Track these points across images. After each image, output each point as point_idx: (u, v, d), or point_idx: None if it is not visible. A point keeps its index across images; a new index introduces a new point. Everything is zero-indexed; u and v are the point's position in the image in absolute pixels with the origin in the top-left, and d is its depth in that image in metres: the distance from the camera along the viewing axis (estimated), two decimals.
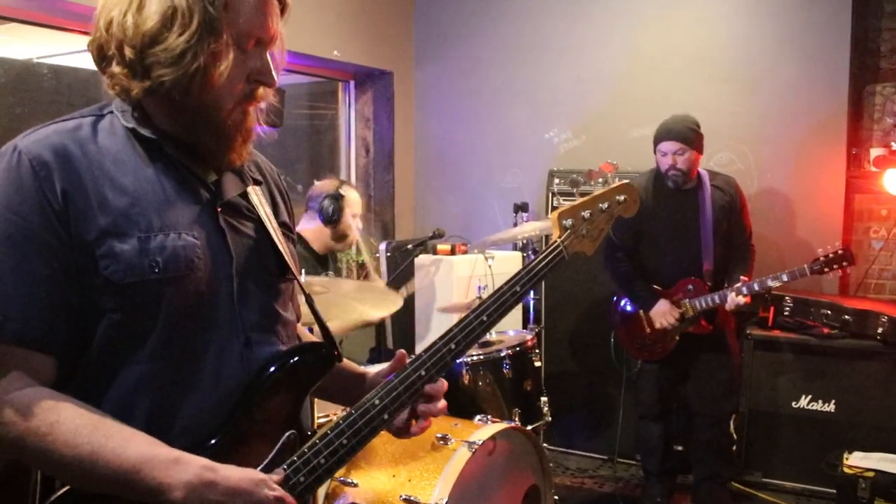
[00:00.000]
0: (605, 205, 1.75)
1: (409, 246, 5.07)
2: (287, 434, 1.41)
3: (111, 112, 1.38)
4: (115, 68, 1.31)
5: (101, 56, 1.34)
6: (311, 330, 2.46)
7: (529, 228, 4.39)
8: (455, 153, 5.94)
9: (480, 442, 2.70)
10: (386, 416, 1.46)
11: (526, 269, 1.62)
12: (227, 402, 1.36)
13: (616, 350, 4.59)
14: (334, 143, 6.01)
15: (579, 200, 1.74)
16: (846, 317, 4.17)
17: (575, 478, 4.72)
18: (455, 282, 4.79)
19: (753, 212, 4.17)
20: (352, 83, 5.95)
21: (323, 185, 3.91)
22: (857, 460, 3.74)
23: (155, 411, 1.30)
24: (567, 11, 5.41)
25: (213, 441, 1.32)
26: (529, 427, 3.49)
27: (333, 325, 3.61)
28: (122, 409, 1.28)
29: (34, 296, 1.24)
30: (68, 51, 4.25)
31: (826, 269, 3.77)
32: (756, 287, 3.79)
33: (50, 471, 1.27)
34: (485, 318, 1.56)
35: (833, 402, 4.19)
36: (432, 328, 4.81)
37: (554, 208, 4.70)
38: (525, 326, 4.88)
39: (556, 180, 5.06)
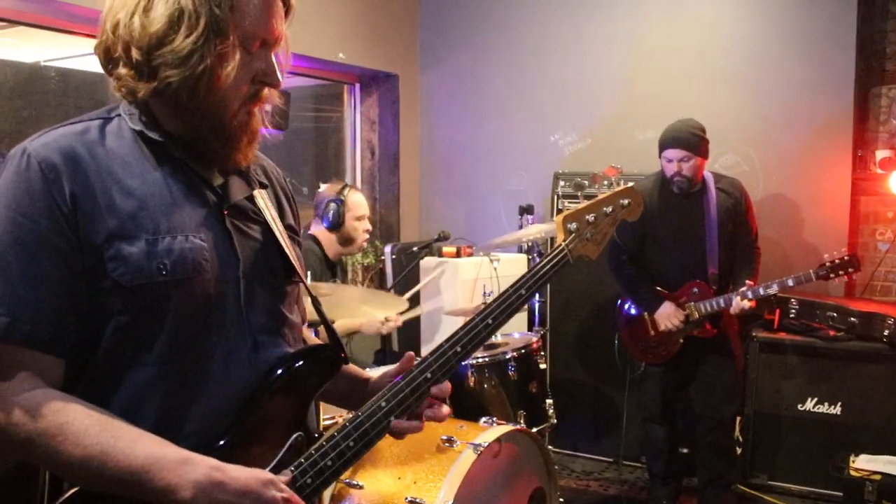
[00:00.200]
0: (610, 208, 1.75)
1: (415, 248, 5.08)
2: (294, 436, 1.41)
3: (119, 115, 1.39)
4: (122, 70, 1.32)
5: (108, 58, 1.35)
6: (315, 332, 2.47)
7: (535, 231, 4.39)
8: (460, 156, 5.95)
9: (486, 444, 2.70)
10: (392, 419, 1.46)
11: (531, 273, 1.63)
12: (234, 404, 1.36)
13: (620, 352, 4.59)
14: (339, 145, 6.02)
15: (584, 204, 1.74)
16: (852, 319, 4.16)
17: (580, 480, 4.71)
18: (460, 284, 4.80)
19: (759, 214, 4.17)
20: (357, 86, 5.96)
21: (327, 190, 3.92)
22: (864, 463, 3.73)
23: (163, 413, 1.31)
24: (572, 14, 5.42)
25: (221, 443, 1.33)
26: (535, 429, 3.49)
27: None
28: (130, 411, 1.28)
29: (43, 298, 1.24)
30: (75, 54, 4.27)
31: (832, 276, 3.77)
32: (761, 291, 3.79)
33: (59, 472, 1.27)
34: (490, 321, 1.56)
35: (839, 404, 4.18)
36: (437, 331, 4.82)
37: (559, 211, 4.72)
38: (530, 329, 4.88)
39: (562, 183, 5.06)
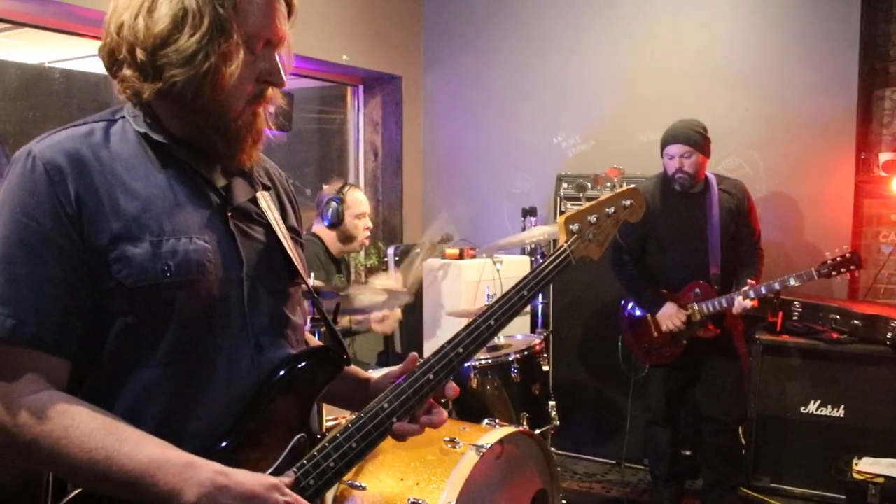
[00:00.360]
0: (612, 209, 1.75)
1: (418, 250, 5.08)
2: (297, 437, 1.41)
3: (123, 117, 1.39)
4: (126, 72, 1.33)
5: (112, 60, 1.35)
6: (319, 335, 2.48)
7: (538, 233, 4.39)
8: (463, 157, 5.95)
9: (488, 446, 2.70)
10: (395, 420, 1.46)
11: (533, 274, 1.63)
12: (237, 405, 1.37)
13: (624, 354, 4.59)
14: (343, 147, 6.03)
15: (586, 205, 1.75)
16: (855, 322, 4.16)
17: (583, 482, 4.71)
18: (463, 286, 4.80)
19: (762, 216, 4.17)
20: (361, 87, 5.97)
21: (327, 189, 3.95)
22: (867, 466, 3.73)
23: (166, 414, 1.31)
24: (575, 16, 5.42)
25: (223, 444, 1.33)
26: (537, 431, 3.49)
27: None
28: (133, 412, 1.29)
29: (48, 299, 1.24)
30: (80, 55, 4.28)
31: (834, 273, 3.77)
32: (763, 291, 3.78)
33: (63, 474, 1.28)
34: (492, 322, 1.57)
35: (842, 407, 4.17)
36: (440, 332, 4.82)
37: (562, 213, 4.71)
38: (533, 330, 4.88)
39: (565, 185, 5.06)
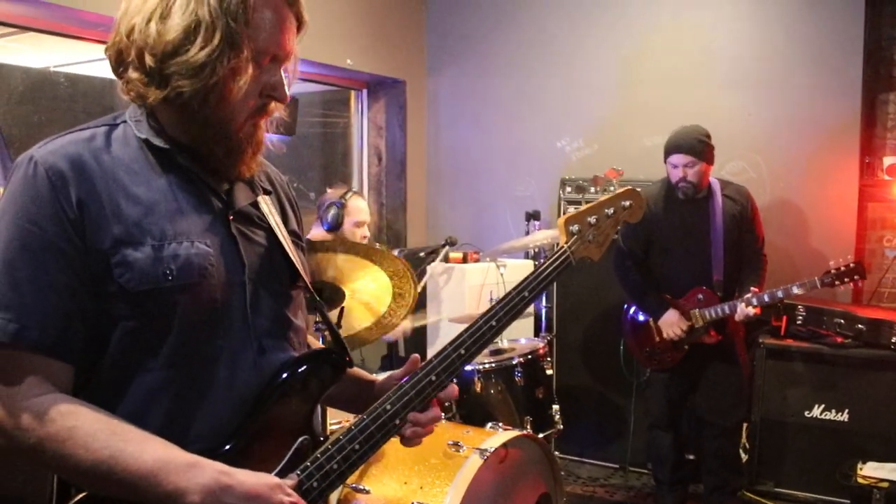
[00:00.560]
0: (611, 210, 1.76)
1: (422, 254, 5.08)
2: (300, 439, 1.42)
3: (124, 121, 1.40)
4: (133, 74, 1.33)
5: (119, 61, 1.35)
6: (322, 338, 2.47)
7: (541, 237, 4.39)
8: (467, 161, 5.96)
9: (492, 449, 2.70)
10: (397, 422, 1.47)
11: (534, 275, 1.64)
12: (240, 408, 1.37)
13: (626, 358, 4.59)
14: (347, 151, 6.04)
15: (585, 206, 1.76)
16: (859, 326, 4.15)
17: (586, 486, 4.70)
18: (467, 290, 4.81)
19: (765, 221, 4.16)
20: (364, 91, 5.98)
21: (330, 194, 3.96)
22: (871, 470, 3.72)
23: (169, 418, 1.32)
24: (578, 20, 5.42)
25: (227, 447, 1.34)
26: (541, 435, 3.49)
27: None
28: (137, 415, 1.29)
29: (51, 304, 1.25)
30: (84, 59, 4.29)
31: (837, 283, 3.77)
32: (766, 298, 3.78)
33: (68, 476, 1.28)
34: (494, 324, 1.57)
35: (846, 411, 4.16)
36: (444, 336, 4.82)
37: None
38: (537, 335, 4.89)
39: (568, 189, 5.06)
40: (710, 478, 4.10)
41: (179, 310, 1.31)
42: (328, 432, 2.77)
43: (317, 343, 1.74)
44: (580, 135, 5.47)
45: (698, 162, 3.85)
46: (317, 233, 3.90)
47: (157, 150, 1.37)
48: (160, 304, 1.30)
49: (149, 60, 1.30)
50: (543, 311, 4.98)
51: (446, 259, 4.94)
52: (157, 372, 1.31)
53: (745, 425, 4.34)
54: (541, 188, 5.59)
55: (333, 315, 2.83)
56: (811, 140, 4.75)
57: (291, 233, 1.57)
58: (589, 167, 5.27)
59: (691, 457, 4.46)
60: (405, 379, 1.51)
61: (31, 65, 4.18)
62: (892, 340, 4.05)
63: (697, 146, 3.84)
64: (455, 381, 1.56)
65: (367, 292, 2.99)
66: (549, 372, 3.88)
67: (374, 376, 1.69)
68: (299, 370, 1.43)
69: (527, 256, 5.22)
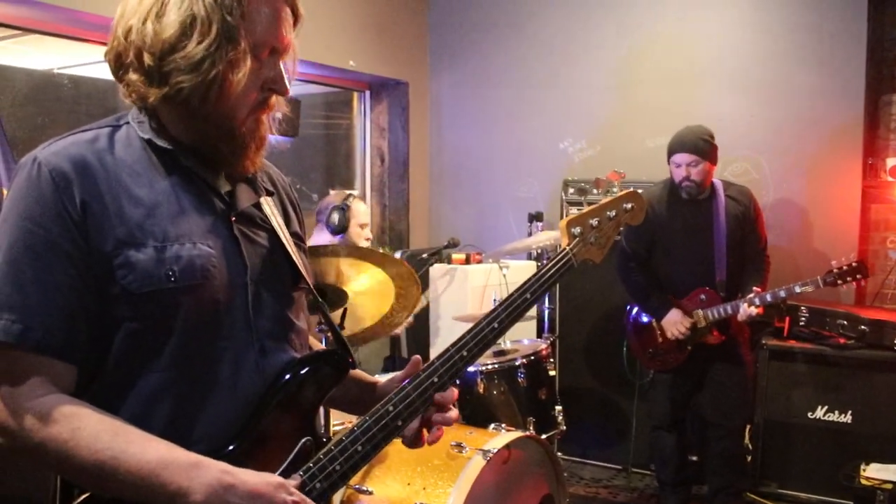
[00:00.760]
0: (613, 213, 1.77)
1: (424, 255, 5.09)
2: (303, 440, 1.42)
3: (127, 123, 1.40)
4: (133, 76, 1.33)
5: (119, 64, 1.36)
6: (325, 339, 2.48)
7: (544, 238, 4.39)
8: (470, 163, 5.96)
9: (495, 450, 2.70)
10: (400, 423, 1.47)
11: (536, 277, 1.64)
12: (243, 409, 1.37)
13: (629, 360, 4.59)
14: (350, 152, 6.05)
15: (587, 209, 1.76)
16: (863, 327, 4.15)
17: (589, 487, 4.70)
18: (470, 291, 4.81)
19: (768, 222, 4.16)
20: (367, 93, 5.99)
21: (331, 198, 3.97)
22: (875, 472, 3.71)
23: (172, 419, 1.32)
24: (581, 21, 5.43)
25: (230, 448, 1.34)
26: (544, 436, 3.49)
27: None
28: (139, 417, 1.29)
29: (55, 305, 1.25)
30: (87, 61, 4.30)
31: (839, 282, 3.76)
32: (768, 298, 3.78)
33: (71, 477, 1.28)
34: (496, 325, 1.58)
35: (849, 412, 4.16)
36: (447, 337, 4.82)
37: None
38: (539, 336, 4.89)
39: (571, 190, 5.06)
40: (715, 479, 4.09)
41: (182, 311, 1.31)
42: (331, 433, 2.77)
43: (319, 344, 1.74)
44: (583, 136, 5.47)
45: (702, 161, 3.85)
46: (321, 238, 3.91)
47: (160, 150, 1.37)
48: (163, 306, 1.30)
49: (147, 60, 1.30)
50: (546, 313, 4.98)
51: (448, 261, 4.95)
52: (160, 373, 1.31)
53: (748, 426, 4.33)
54: (543, 189, 5.59)
55: (336, 316, 2.83)
56: (814, 141, 4.75)
57: (293, 234, 1.57)
58: (591, 168, 5.27)
59: (694, 458, 4.46)
60: (407, 380, 1.51)
61: (35, 66, 4.19)
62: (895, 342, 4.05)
63: (701, 145, 3.84)
64: (458, 382, 1.56)
65: (370, 293, 2.99)
66: (552, 373, 3.88)
67: (375, 378, 1.69)
68: (301, 371, 1.44)
69: (529, 258, 5.22)
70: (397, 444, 1.51)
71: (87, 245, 1.27)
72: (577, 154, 5.51)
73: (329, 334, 2.85)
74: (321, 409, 1.50)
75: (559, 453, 3.42)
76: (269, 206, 1.51)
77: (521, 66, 5.67)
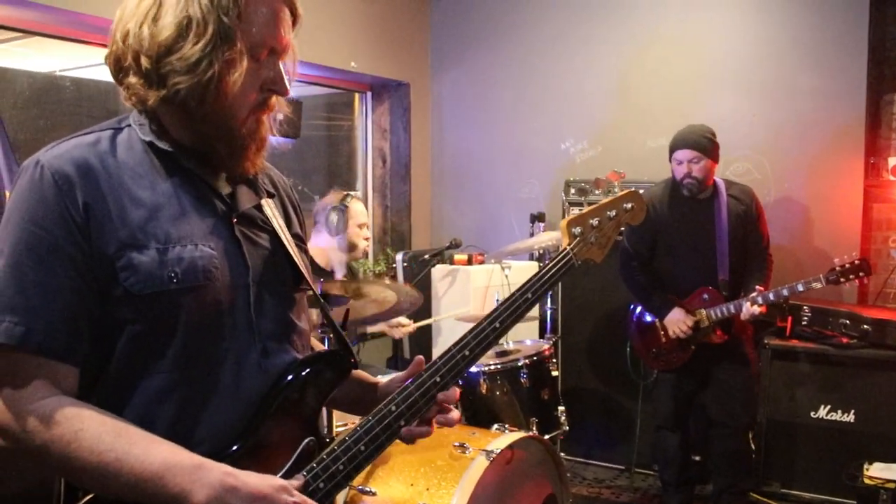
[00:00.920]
0: (613, 212, 1.78)
1: (426, 256, 5.09)
2: (306, 441, 1.42)
3: (129, 125, 1.40)
4: (132, 79, 1.34)
5: (118, 68, 1.36)
6: (326, 340, 2.48)
7: (546, 238, 4.39)
8: (471, 163, 5.96)
9: (498, 451, 2.71)
10: (402, 423, 1.47)
11: (537, 276, 1.64)
12: (245, 410, 1.38)
13: (632, 359, 4.59)
14: (351, 153, 6.05)
15: (587, 209, 1.77)
16: (865, 326, 4.14)
17: (592, 488, 4.70)
18: (472, 292, 4.81)
19: (770, 221, 4.16)
20: (369, 94, 5.99)
21: (328, 199, 3.96)
22: (878, 471, 3.71)
23: (175, 420, 1.32)
24: (583, 22, 5.43)
25: (233, 448, 1.34)
26: (547, 436, 3.49)
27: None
28: (142, 418, 1.29)
29: (57, 307, 1.25)
30: (90, 63, 4.31)
31: (842, 280, 3.75)
32: (771, 297, 3.78)
33: (74, 478, 1.28)
34: (497, 325, 1.58)
35: (852, 412, 4.15)
36: (449, 338, 4.82)
37: None
38: (542, 336, 4.88)
39: (573, 191, 5.06)
40: (719, 479, 4.09)
41: (184, 313, 1.32)
42: (334, 434, 2.77)
43: (320, 345, 1.75)
44: (584, 137, 5.47)
45: (703, 158, 3.85)
46: (319, 239, 3.89)
47: (161, 153, 1.38)
48: (165, 307, 1.30)
49: (145, 62, 1.31)
50: (549, 313, 4.98)
51: (451, 262, 4.96)
52: (163, 375, 1.32)
53: (751, 426, 4.33)
54: (545, 190, 5.59)
55: (339, 313, 2.83)
56: (816, 141, 4.74)
57: (294, 236, 1.58)
58: (593, 169, 5.27)
59: (697, 458, 4.46)
60: (410, 380, 1.51)
61: (37, 69, 4.20)
62: None
63: (703, 142, 3.84)
64: (460, 382, 1.56)
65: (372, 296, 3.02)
66: (555, 373, 3.88)
67: (377, 378, 1.70)
68: (304, 372, 1.44)
69: (531, 258, 5.22)
70: (400, 445, 1.52)
71: (89, 247, 1.27)
72: (578, 155, 5.51)
73: (331, 335, 2.86)
74: (324, 410, 1.50)
75: (562, 453, 3.41)
76: (270, 208, 1.52)
77: (522, 66, 5.68)
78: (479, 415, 3.57)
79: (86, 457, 1.21)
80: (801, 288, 3.75)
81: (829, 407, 4.21)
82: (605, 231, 1.77)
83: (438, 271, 4.97)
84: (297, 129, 4.57)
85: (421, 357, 1.56)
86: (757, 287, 3.82)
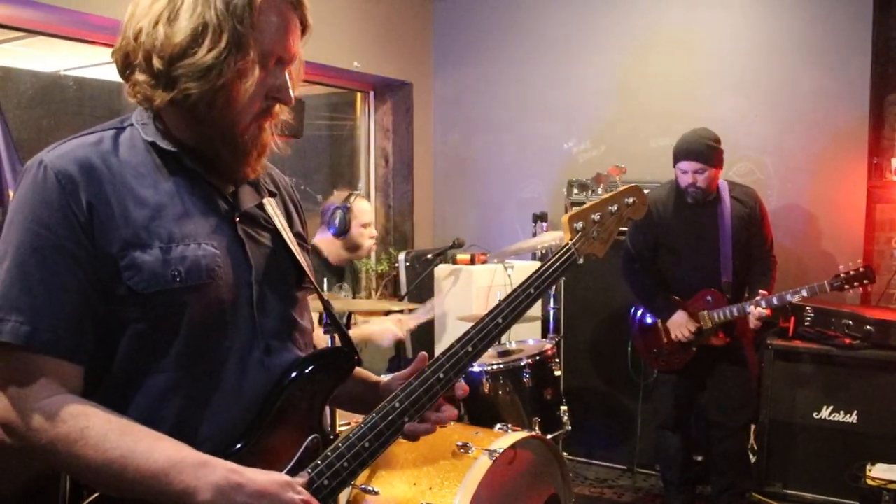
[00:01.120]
0: (615, 207, 1.77)
1: (429, 256, 5.09)
2: (310, 438, 1.42)
3: (131, 125, 1.41)
4: (140, 77, 1.34)
5: (126, 64, 1.36)
6: (331, 339, 2.48)
7: (549, 238, 4.38)
8: (474, 163, 5.96)
9: (501, 450, 2.70)
10: (406, 419, 1.47)
11: (539, 272, 1.65)
12: (249, 408, 1.38)
13: (633, 360, 4.59)
14: (354, 153, 6.05)
15: (588, 204, 1.77)
16: (868, 327, 4.14)
17: (594, 488, 4.70)
18: (474, 291, 4.81)
19: (774, 222, 4.15)
20: (371, 94, 6.00)
21: (334, 198, 3.96)
22: (881, 472, 3.70)
23: (179, 419, 1.32)
24: (585, 22, 5.43)
25: (237, 446, 1.34)
26: (549, 436, 3.49)
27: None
28: (146, 417, 1.30)
29: (62, 306, 1.26)
30: (93, 63, 4.32)
31: (846, 287, 3.76)
32: (775, 302, 3.78)
33: (80, 476, 1.29)
34: (500, 321, 1.58)
35: (855, 412, 4.15)
36: (451, 338, 4.81)
37: None
38: (545, 336, 4.88)
39: (575, 190, 5.06)
40: (719, 479, 4.09)
41: (188, 311, 1.32)
42: (337, 432, 2.77)
43: (322, 344, 1.75)
44: (587, 136, 5.48)
45: (708, 168, 3.83)
46: (319, 238, 3.90)
47: (164, 152, 1.38)
48: (169, 306, 1.31)
49: (157, 63, 1.31)
50: (551, 313, 4.97)
51: (453, 262, 4.96)
52: (167, 373, 1.32)
53: (752, 426, 4.32)
54: (548, 190, 5.60)
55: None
56: (819, 141, 4.74)
57: (296, 235, 1.59)
58: (595, 169, 5.26)
59: (699, 458, 4.46)
60: (413, 377, 1.51)
61: (41, 68, 4.21)
62: None
63: (707, 152, 3.83)
64: (463, 380, 1.56)
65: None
66: (557, 373, 3.87)
67: (379, 377, 1.70)
68: (307, 370, 1.44)
69: (534, 258, 5.22)
70: (404, 444, 1.52)
71: (93, 247, 1.28)
72: (581, 154, 5.51)
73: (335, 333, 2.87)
74: (327, 408, 1.50)
75: (564, 453, 3.41)
76: (272, 207, 1.52)
77: (525, 66, 5.68)
78: (482, 414, 3.57)
79: (91, 454, 1.22)
80: (804, 293, 3.75)
81: (831, 407, 4.20)
82: (607, 226, 1.77)
83: (441, 271, 4.97)
84: (299, 128, 4.57)
85: (424, 354, 1.57)
86: (761, 291, 3.82)
